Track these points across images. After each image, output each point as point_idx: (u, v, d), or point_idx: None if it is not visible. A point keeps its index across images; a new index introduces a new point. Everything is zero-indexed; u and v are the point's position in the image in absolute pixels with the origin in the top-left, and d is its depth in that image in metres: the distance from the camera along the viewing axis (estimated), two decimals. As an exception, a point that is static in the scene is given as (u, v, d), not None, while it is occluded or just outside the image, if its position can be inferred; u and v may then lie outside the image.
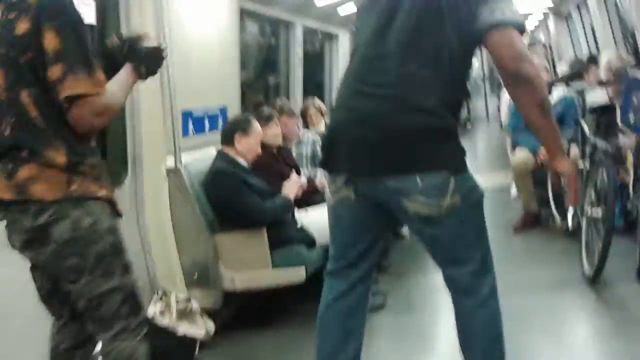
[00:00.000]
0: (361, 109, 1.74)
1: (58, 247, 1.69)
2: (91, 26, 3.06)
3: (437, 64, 1.70)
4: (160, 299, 2.74)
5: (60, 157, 1.67)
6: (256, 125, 3.38)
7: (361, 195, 1.80)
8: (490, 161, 8.01)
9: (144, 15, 3.18)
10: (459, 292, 1.86)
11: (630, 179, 3.72)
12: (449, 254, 1.83)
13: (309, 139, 4.34)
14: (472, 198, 1.76)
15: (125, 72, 1.83)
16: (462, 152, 1.78)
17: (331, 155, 1.85)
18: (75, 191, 1.69)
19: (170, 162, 3.24)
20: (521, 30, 1.68)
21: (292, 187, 3.35)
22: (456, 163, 1.73)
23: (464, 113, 12.51)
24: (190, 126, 3.56)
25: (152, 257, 3.11)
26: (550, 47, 10.79)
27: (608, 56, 4.84)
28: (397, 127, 1.68)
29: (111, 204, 1.81)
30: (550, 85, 4.63)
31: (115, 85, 1.77)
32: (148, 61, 1.86)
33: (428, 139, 1.69)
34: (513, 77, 1.67)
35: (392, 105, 1.69)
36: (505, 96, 6.84)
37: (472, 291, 1.82)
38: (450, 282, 1.88)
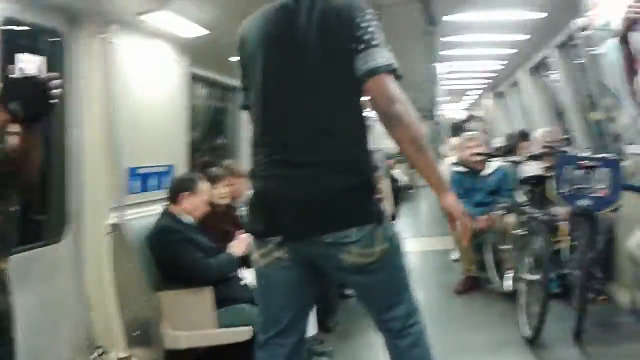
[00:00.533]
0: (286, 177, 1.80)
1: None
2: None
3: (340, 118, 1.80)
4: (100, 355, 2.63)
5: None
6: (202, 184, 3.38)
7: (293, 255, 1.84)
8: (433, 225, 8.21)
9: (92, 71, 3.20)
10: (395, 335, 1.92)
11: (566, 246, 3.92)
12: (384, 299, 1.91)
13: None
14: (396, 243, 1.89)
15: None
16: (379, 204, 1.90)
17: (259, 221, 1.87)
18: None
19: (113, 218, 3.18)
20: (394, 73, 1.77)
21: (239, 244, 3.33)
22: (380, 214, 1.84)
23: (408, 179, 12.89)
24: (136, 183, 3.53)
25: (92, 315, 3.00)
26: (487, 122, 11.39)
27: (541, 131, 5.16)
28: (326, 190, 1.76)
29: None
30: (487, 157, 4.87)
31: None
32: (23, 95, 1.59)
33: (355, 197, 1.78)
34: (386, 117, 1.75)
35: (315, 170, 1.77)
36: (445, 162, 7.14)
37: (406, 332, 1.91)
38: (386, 327, 1.94)
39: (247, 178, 4.73)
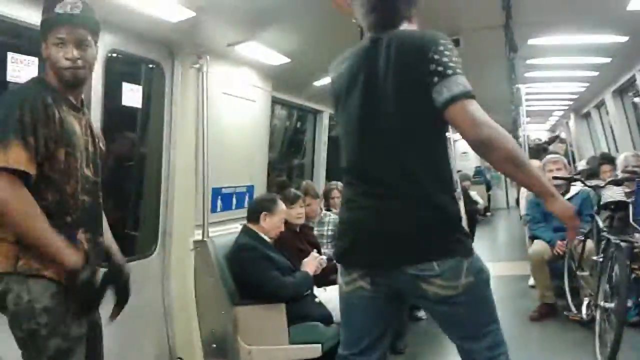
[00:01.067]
0: (373, 208, 1.85)
1: (9, 316, 1.77)
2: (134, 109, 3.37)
3: (420, 156, 1.82)
4: (178, 368, 2.81)
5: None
6: (281, 205, 3.56)
7: (376, 285, 1.88)
8: (510, 251, 8.05)
9: (186, 99, 3.48)
10: None
11: (644, 275, 3.77)
12: (468, 331, 1.90)
13: (330, 220, 4.51)
14: (483, 276, 1.88)
15: (62, 245, 1.77)
16: (468, 236, 1.90)
17: (347, 251, 1.93)
18: (21, 267, 1.74)
19: (198, 235, 3.41)
20: (472, 96, 1.76)
21: (311, 263, 3.48)
22: (466, 248, 1.84)
23: (485, 201, 12.64)
24: (219, 202, 3.77)
25: (174, 326, 3.20)
26: (571, 144, 11.02)
27: (624, 155, 5.01)
28: (409, 224, 1.80)
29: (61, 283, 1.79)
30: (569, 181, 4.78)
31: (39, 222, 1.73)
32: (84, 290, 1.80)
33: (438, 231, 1.81)
34: (475, 143, 1.73)
35: (400, 206, 1.81)
36: (523, 189, 7.01)
37: None
38: (468, 356, 1.93)
39: (322, 199, 4.97)
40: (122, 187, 3.63)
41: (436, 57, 1.77)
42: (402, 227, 1.80)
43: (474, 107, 1.74)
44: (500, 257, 7.72)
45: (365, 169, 1.89)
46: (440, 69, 1.76)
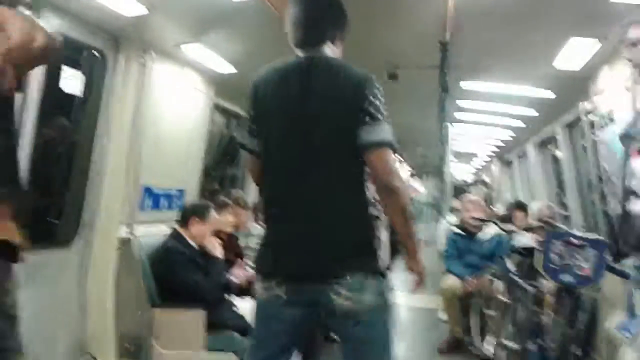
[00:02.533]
0: (291, 229, 1.99)
1: None
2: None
3: (343, 181, 1.98)
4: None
5: None
6: (213, 214, 3.57)
7: (290, 295, 1.98)
8: (428, 283, 8.29)
9: (126, 92, 3.42)
10: None
11: (549, 320, 4.02)
12: (363, 355, 2.01)
13: (259, 233, 4.51)
14: (387, 300, 2.01)
15: None
16: (379, 260, 2.00)
17: (265, 262, 2.06)
18: None
19: (123, 232, 3.35)
20: (393, 148, 1.96)
21: (239, 273, 3.49)
22: (375, 267, 1.97)
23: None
24: (148, 201, 3.71)
25: (87, 321, 3.12)
26: (492, 188, 11.57)
27: (538, 205, 5.34)
28: (325, 241, 1.95)
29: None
30: (482, 222, 5.04)
31: None
32: None
33: (352, 249, 1.96)
34: (385, 188, 1.93)
35: (318, 227, 1.96)
36: (443, 223, 7.29)
37: None
38: None
39: (252, 211, 4.98)
40: (49, 171, 3.50)
41: (371, 98, 1.93)
42: (319, 244, 1.95)
43: (391, 157, 1.96)
44: (418, 289, 7.93)
45: (289, 189, 2.00)
46: (372, 110, 1.92)
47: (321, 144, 1.95)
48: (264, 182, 2.09)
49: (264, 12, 3.29)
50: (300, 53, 2.05)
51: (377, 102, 1.94)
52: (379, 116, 1.93)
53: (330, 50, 2.07)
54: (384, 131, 1.93)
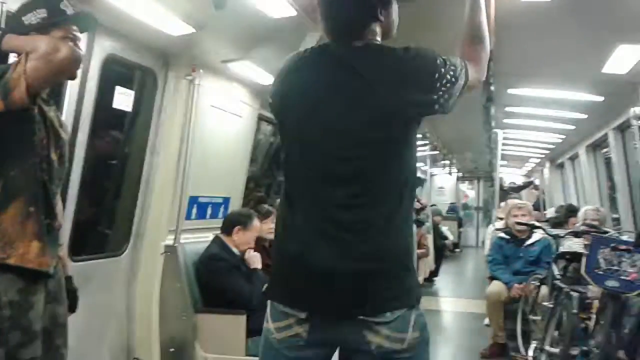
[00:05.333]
0: (321, 244, 1.59)
1: None
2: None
3: (386, 186, 1.61)
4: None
5: None
6: (256, 222, 3.68)
7: (314, 336, 1.62)
8: (472, 289, 8.24)
9: (175, 107, 3.60)
10: None
11: (595, 325, 3.95)
12: None
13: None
14: (426, 335, 1.68)
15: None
16: (419, 287, 1.74)
17: (283, 286, 1.67)
18: None
19: (169, 240, 3.51)
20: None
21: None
22: (417, 298, 1.66)
23: (455, 238, 12.89)
24: (194, 210, 3.88)
25: (134, 326, 3.29)
26: (544, 191, 11.32)
27: (585, 209, 5.24)
28: (363, 262, 1.58)
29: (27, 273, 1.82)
30: (529, 227, 4.98)
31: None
32: None
33: (393, 274, 1.62)
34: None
35: (353, 241, 1.59)
36: (489, 229, 7.22)
37: None
38: None
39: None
40: (102, 184, 3.72)
41: (441, 81, 1.61)
42: (355, 265, 1.57)
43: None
44: (462, 294, 7.92)
45: (325, 196, 1.61)
46: (446, 90, 1.62)
47: (365, 136, 1.61)
48: (287, 186, 1.74)
49: (304, 26, 3.40)
50: None
51: (449, 73, 1.68)
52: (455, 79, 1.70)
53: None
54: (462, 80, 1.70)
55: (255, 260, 3.59)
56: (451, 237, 11.58)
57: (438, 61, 1.62)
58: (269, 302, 1.70)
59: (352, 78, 1.59)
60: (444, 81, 1.61)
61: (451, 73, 1.63)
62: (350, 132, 1.59)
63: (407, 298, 1.63)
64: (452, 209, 14.52)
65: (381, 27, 1.69)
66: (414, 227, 1.89)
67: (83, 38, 2.03)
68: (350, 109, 1.59)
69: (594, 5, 3.12)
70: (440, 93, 1.61)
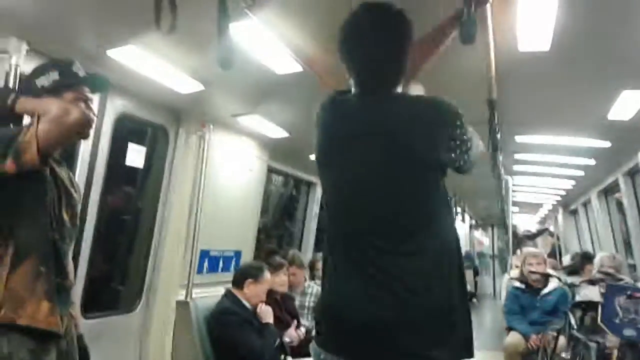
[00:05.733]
0: (366, 292, 1.56)
1: None
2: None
3: (427, 225, 1.62)
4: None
5: None
6: (267, 275, 3.67)
7: None
8: (489, 340, 8.03)
9: (186, 162, 3.67)
10: None
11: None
12: None
13: (313, 292, 4.59)
14: None
15: None
16: (471, 332, 1.64)
17: (330, 334, 1.65)
18: (1, 317, 1.79)
19: (181, 295, 3.51)
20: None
21: (292, 334, 3.57)
22: (466, 345, 1.60)
23: (472, 287, 12.71)
24: (206, 264, 3.89)
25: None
26: (558, 237, 11.21)
27: (600, 256, 5.17)
28: (412, 313, 1.53)
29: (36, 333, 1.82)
30: (545, 276, 4.91)
31: None
32: None
33: (443, 324, 1.56)
34: None
35: (400, 288, 1.54)
36: (505, 278, 7.12)
37: None
38: None
39: (307, 269, 5.07)
40: (114, 240, 3.76)
41: (459, 131, 1.67)
42: (404, 315, 1.52)
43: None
44: (480, 346, 7.70)
45: (366, 251, 1.59)
46: (464, 144, 1.68)
47: (402, 181, 1.64)
48: (331, 231, 1.74)
49: (310, 79, 3.49)
50: None
51: (465, 130, 1.74)
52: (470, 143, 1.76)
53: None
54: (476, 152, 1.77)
55: (267, 314, 3.56)
56: (467, 287, 11.40)
57: (458, 122, 1.67)
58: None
59: (384, 127, 1.64)
60: (459, 142, 1.67)
61: (465, 136, 1.68)
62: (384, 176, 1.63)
63: (453, 347, 1.57)
64: (467, 257, 14.35)
65: (403, 76, 1.75)
66: None
67: (95, 98, 2.10)
68: (383, 156, 1.62)
69: (593, 53, 3.17)
70: (458, 153, 1.67)
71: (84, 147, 2.96)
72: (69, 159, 2.72)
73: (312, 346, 1.71)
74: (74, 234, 2.08)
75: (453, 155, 1.65)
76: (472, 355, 1.59)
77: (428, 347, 1.53)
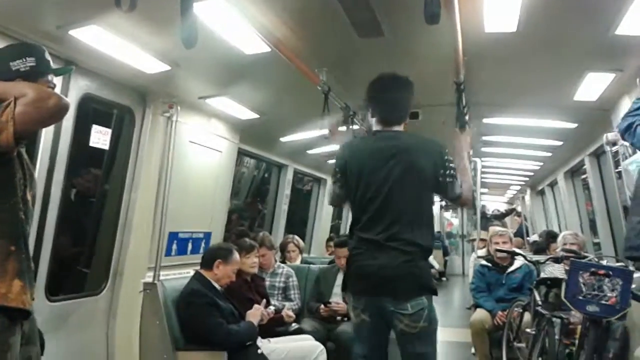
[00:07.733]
0: (381, 260, 2.55)
1: None
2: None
3: (422, 216, 2.63)
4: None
5: None
6: (236, 255, 3.67)
7: (372, 317, 2.58)
8: (457, 317, 8.20)
9: (153, 144, 3.62)
10: None
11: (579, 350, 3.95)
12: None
13: (283, 272, 4.60)
14: (435, 324, 2.61)
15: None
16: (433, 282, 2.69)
17: (355, 284, 2.65)
18: None
19: (149, 277, 3.48)
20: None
21: (255, 314, 3.57)
22: (433, 289, 2.61)
23: (441, 266, 12.90)
24: (174, 246, 3.86)
25: (115, 365, 3.24)
26: (525, 217, 11.43)
27: (563, 234, 5.29)
28: (402, 272, 2.52)
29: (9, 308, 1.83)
30: (512, 255, 5.01)
31: None
32: None
33: (421, 276, 2.58)
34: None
35: (400, 257, 2.53)
36: (472, 257, 7.24)
37: None
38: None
39: (278, 250, 5.08)
40: (80, 222, 3.70)
41: (447, 163, 2.64)
42: (395, 274, 2.52)
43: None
44: (447, 323, 7.85)
45: (383, 229, 2.57)
46: (451, 172, 2.64)
47: (411, 190, 2.61)
48: (356, 219, 2.68)
49: (279, 61, 3.46)
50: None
51: (452, 165, 2.65)
52: (456, 174, 2.66)
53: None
54: (459, 185, 2.66)
55: (254, 317, 3.58)
56: (437, 266, 11.56)
57: (445, 157, 2.65)
58: None
59: (403, 155, 2.62)
60: (447, 172, 2.64)
61: (452, 170, 2.65)
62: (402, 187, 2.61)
63: (422, 293, 2.57)
64: (437, 237, 14.54)
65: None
66: None
67: (58, 79, 2.07)
68: (402, 173, 2.60)
69: (559, 34, 3.21)
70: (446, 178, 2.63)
71: (47, 129, 2.89)
72: (31, 141, 2.66)
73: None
74: (32, 215, 2.06)
75: (441, 179, 2.61)
76: (436, 294, 2.63)
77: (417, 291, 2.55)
